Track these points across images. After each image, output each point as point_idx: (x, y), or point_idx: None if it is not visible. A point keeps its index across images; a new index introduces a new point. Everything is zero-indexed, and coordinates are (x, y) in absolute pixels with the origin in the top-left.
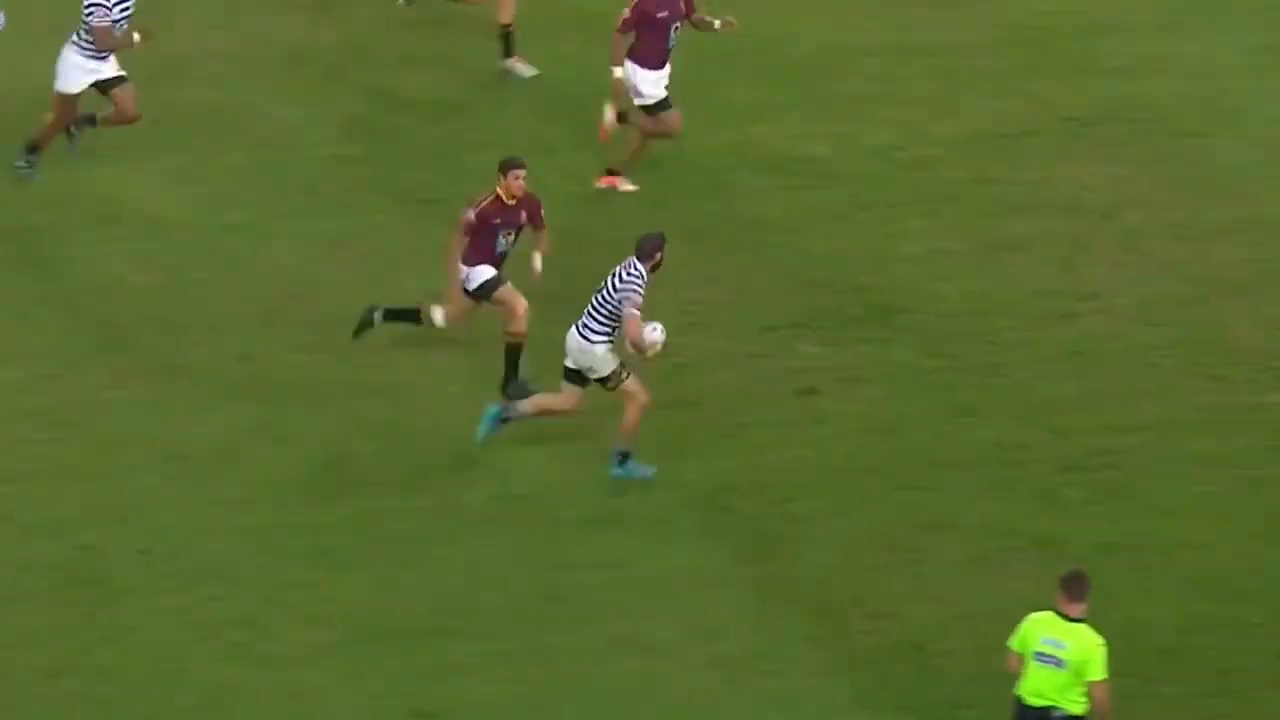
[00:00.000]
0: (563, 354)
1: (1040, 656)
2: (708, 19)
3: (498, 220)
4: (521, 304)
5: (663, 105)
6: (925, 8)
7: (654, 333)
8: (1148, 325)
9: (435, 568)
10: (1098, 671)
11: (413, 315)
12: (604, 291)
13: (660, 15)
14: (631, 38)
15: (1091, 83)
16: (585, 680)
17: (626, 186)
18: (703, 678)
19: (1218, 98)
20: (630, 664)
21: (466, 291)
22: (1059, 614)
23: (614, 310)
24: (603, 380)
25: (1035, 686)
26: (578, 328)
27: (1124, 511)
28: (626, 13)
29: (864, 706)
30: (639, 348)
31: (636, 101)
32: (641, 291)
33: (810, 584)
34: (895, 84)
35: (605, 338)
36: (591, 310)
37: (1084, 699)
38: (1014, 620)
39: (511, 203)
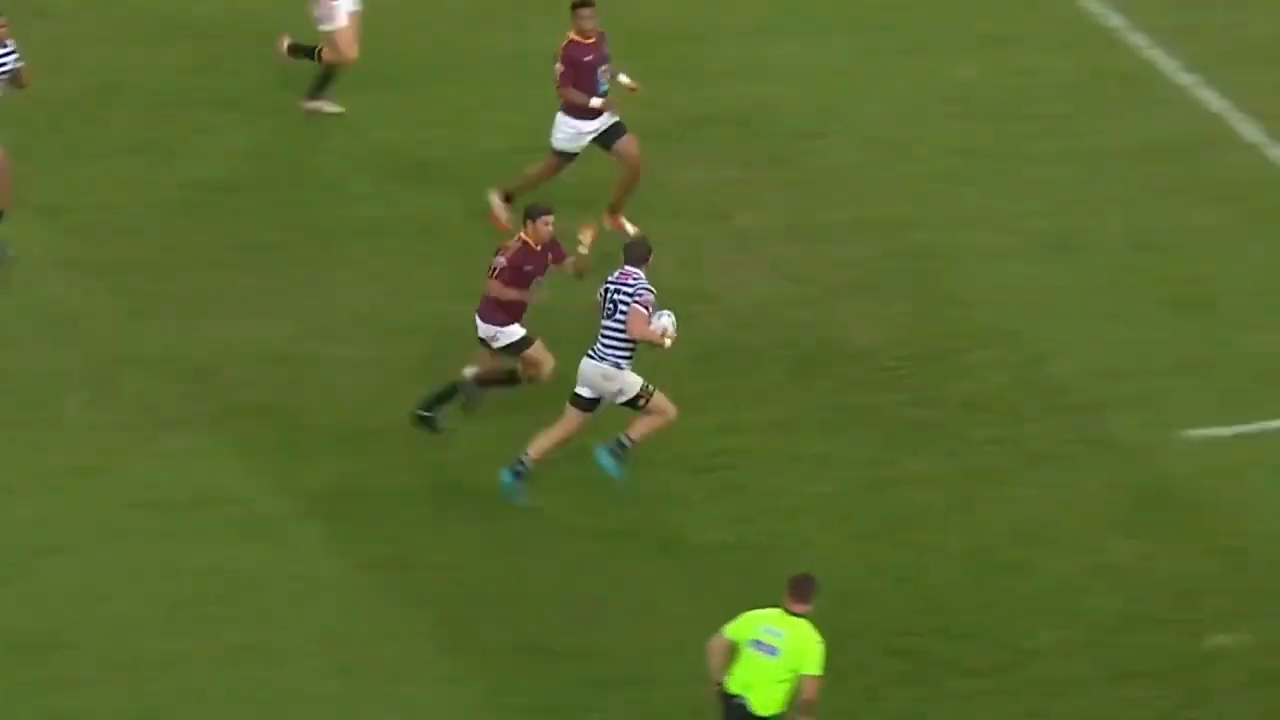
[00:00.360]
0: (578, 382)
1: (757, 644)
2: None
3: (529, 267)
4: (550, 362)
5: (617, 130)
6: (540, 12)
7: (662, 319)
8: (763, 326)
9: (53, 577)
10: (813, 666)
11: (451, 392)
12: (616, 316)
13: (586, 60)
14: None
15: (702, 86)
16: (206, 689)
17: (628, 227)
18: (327, 685)
19: (827, 99)
20: (252, 672)
21: (494, 348)
22: (785, 610)
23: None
24: (631, 402)
25: (741, 675)
26: (597, 357)
27: (743, 512)
28: (559, 66)
29: (492, 710)
30: (650, 340)
31: (573, 146)
32: (652, 292)
33: (436, 589)
34: (512, 88)
35: (629, 360)
36: (610, 336)
37: (780, 701)
38: (639, 620)
39: (538, 249)
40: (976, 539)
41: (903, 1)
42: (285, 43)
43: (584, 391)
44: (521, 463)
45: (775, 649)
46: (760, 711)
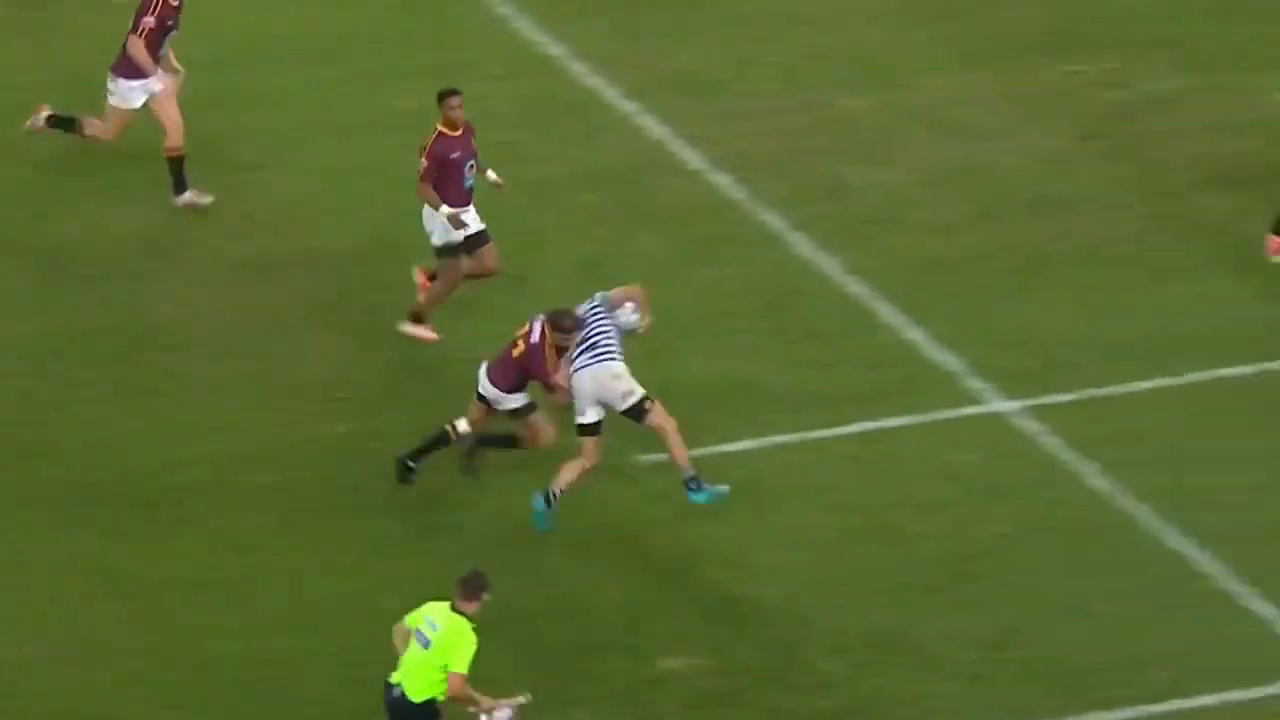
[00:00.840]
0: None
1: (418, 633)
2: (484, 169)
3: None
4: (549, 431)
5: (480, 239)
6: None
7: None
8: (217, 360)
9: None
10: (458, 663)
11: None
12: (603, 332)
13: (454, 156)
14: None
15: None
16: None
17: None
18: None
19: (272, 131)
20: None
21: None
22: (453, 608)
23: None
24: (635, 408)
25: (402, 663)
26: (598, 362)
27: (193, 547)
28: (424, 161)
29: None
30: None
31: (455, 237)
32: None
33: None
34: None
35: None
36: (604, 345)
37: (432, 688)
38: (89, 658)
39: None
40: (423, 567)
41: (349, 30)
42: (44, 114)
43: (591, 415)
44: (551, 494)
45: (428, 640)
46: (413, 698)
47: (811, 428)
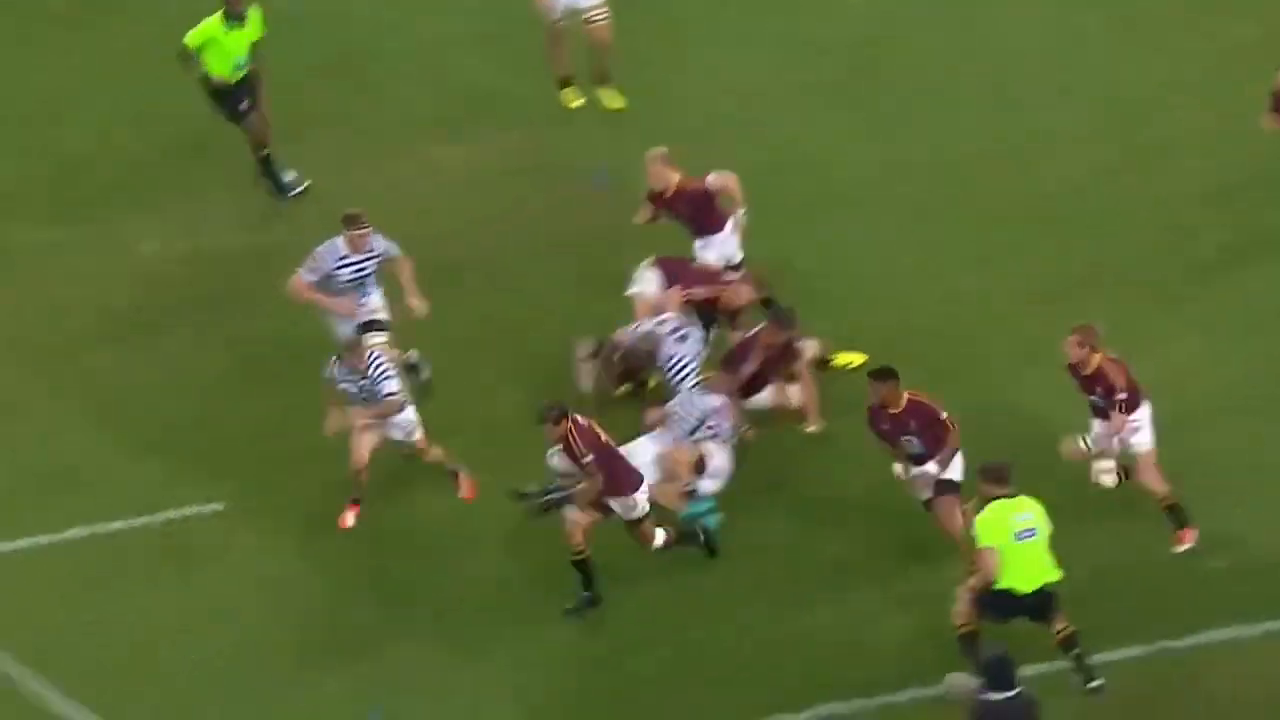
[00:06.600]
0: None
1: (1021, 535)
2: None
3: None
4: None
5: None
6: None
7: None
8: None
9: None
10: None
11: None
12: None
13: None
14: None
15: None
16: None
17: None
18: None
19: None
20: None
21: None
22: (1006, 496)
23: None
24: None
25: (1022, 570)
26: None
27: None
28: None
29: None
30: None
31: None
32: None
33: None
34: None
35: None
36: None
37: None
38: None
39: None
40: None
41: None
42: None
43: None
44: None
45: (1032, 530)
46: (1057, 579)
47: None
